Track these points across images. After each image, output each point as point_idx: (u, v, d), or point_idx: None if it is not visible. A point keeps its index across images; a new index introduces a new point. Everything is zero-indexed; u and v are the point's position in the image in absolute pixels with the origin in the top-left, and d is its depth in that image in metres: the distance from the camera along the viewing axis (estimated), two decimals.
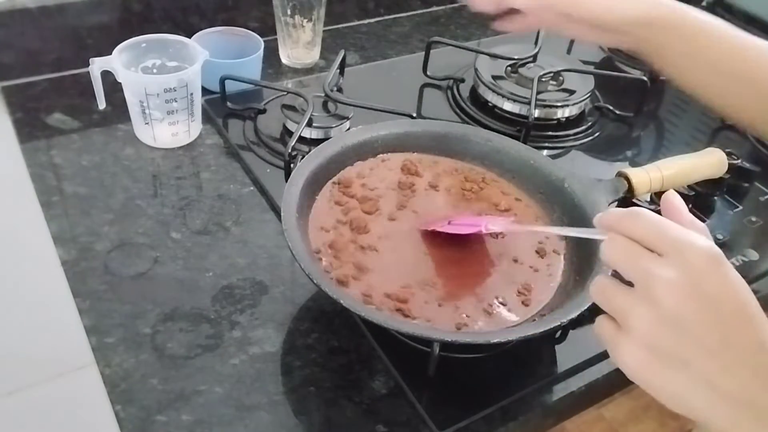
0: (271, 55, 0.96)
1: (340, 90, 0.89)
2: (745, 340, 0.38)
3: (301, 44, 0.94)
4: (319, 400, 0.56)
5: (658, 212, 0.42)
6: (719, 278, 0.38)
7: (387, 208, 0.66)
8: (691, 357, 0.38)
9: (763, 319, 0.38)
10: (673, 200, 0.43)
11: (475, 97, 0.93)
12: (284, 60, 0.95)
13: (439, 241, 0.63)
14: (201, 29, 0.88)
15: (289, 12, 0.90)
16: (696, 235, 0.39)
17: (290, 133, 0.78)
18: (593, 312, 0.64)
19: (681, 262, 0.38)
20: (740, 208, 0.80)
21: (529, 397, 0.58)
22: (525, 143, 0.77)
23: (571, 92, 0.91)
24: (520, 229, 0.63)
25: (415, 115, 0.81)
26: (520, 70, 0.92)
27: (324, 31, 1.05)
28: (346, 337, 0.61)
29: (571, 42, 1.12)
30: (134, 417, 0.53)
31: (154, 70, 0.79)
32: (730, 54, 0.65)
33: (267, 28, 0.99)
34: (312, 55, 0.96)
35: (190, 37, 0.82)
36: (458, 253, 0.62)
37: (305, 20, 0.91)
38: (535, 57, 0.94)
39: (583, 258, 0.61)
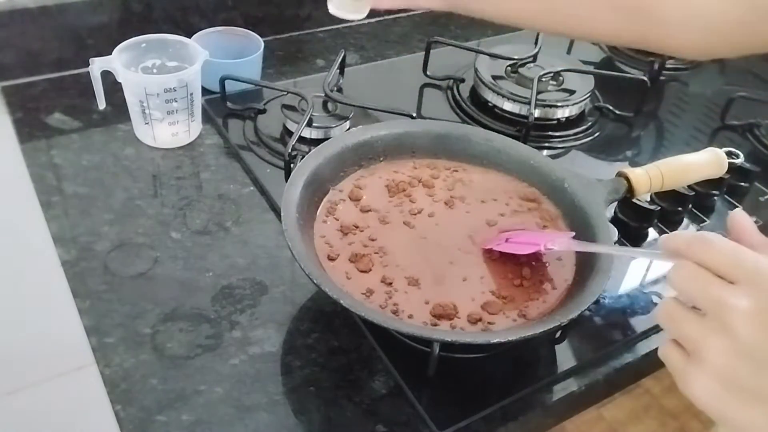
0: (271, 54, 0.96)
1: (340, 90, 0.89)
2: None
3: None
4: (319, 400, 0.56)
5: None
6: None
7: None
8: (766, 389, 0.36)
9: None
10: (742, 221, 0.42)
11: (475, 97, 0.93)
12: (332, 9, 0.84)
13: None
14: (201, 29, 0.88)
15: None
16: None
17: (290, 133, 0.78)
18: (593, 312, 0.65)
19: (757, 291, 0.36)
20: (740, 208, 0.80)
21: (529, 397, 0.58)
22: (525, 143, 0.77)
23: (571, 92, 0.91)
24: (580, 248, 0.60)
25: (415, 115, 0.80)
26: (520, 70, 0.92)
27: (324, 31, 1.06)
28: (346, 337, 0.61)
29: (571, 42, 1.12)
30: (134, 417, 0.53)
31: (154, 70, 0.79)
32: None
33: (268, 28, 0.99)
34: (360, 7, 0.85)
35: (190, 37, 0.82)
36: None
37: None
38: (535, 57, 0.94)
39: (583, 258, 0.61)
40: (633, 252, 0.60)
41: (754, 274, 0.37)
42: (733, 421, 0.38)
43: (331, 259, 0.60)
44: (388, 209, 0.66)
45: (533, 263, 0.62)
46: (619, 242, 0.72)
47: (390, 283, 0.59)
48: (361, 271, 0.60)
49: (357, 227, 0.64)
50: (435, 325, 0.56)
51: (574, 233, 0.61)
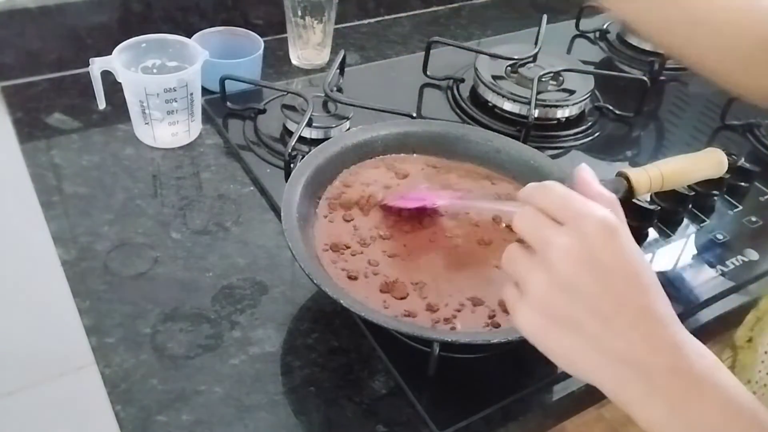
0: (271, 54, 0.96)
1: (340, 90, 0.89)
2: (635, 306, 0.39)
3: (311, 45, 0.94)
4: (319, 400, 0.56)
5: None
6: (613, 247, 0.39)
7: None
8: (582, 320, 0.39)
9: (654, 288, 0.40)
10: (584, 175, 0.44)
11: (475, 97, 0.93)
12: (294, 61, 0.95)
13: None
14: (201, 29, 0.88)
15: (299, 13, 0.90)
16: (596, 207, 0.40)
17: (290, 133, 0.78)
18: None
19: (577, 230, 0.39)
20: (740, 208, 0.80)
21: (529, 397, 0.58)
22: (525, 143, 0.77)
23: (571, 92, 0.91)
24: (462, 204, 0.65)
25: (415, 115, 0.80)
26: (520, 70, 0.92)
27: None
28: (346, 337, 0.61)
29: (571, 42, 1.12)
30: (134, 417, 0.53)
31: (154, 70, 0.79)
32: None
33: (268, 28, 0.99)
34: (322, 56, 0.95)
35: (190, 37, 0.82)
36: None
37: (316, 21, 0.91)
38: (535, 57, 0.94)
39: None
40: (496, 204, 0.67)
41: (577, 216, 0.40)
42: (553, 351, 0.41)
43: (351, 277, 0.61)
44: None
45: None
46: None
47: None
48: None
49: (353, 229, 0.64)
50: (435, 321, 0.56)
51: (460, 193, 0.66)
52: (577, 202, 0.41)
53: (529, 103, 0.85)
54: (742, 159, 0.81)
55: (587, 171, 0.44)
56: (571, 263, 0.39)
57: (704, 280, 0.71)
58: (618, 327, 0.39)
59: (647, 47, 1.09)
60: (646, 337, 0.39)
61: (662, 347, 0.39)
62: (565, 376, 0.60)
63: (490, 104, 0.91)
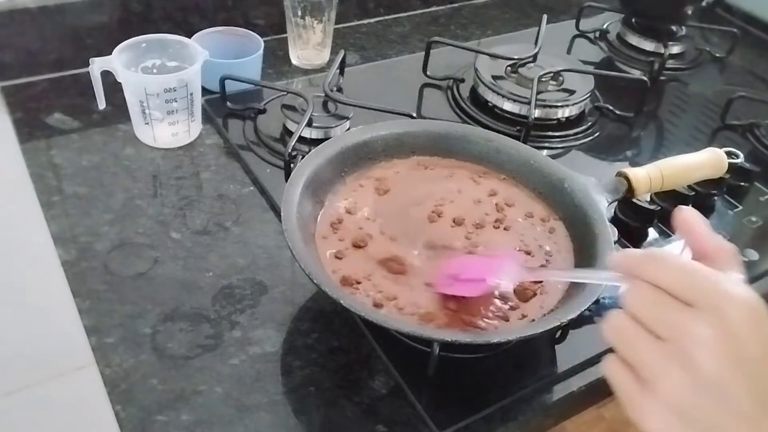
0: (271, 54, 0.96)
1: (340, 90, 0.89)
2: None
3: (311, 45, 0.94)
4: (319, 400, 0.56)
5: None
6: (762, 337, 0.34)
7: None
8: (725, 424, 0.35)
9: None
10: (692, 222, 0.39)
11: (475, 97, 0.93)
12: (294, 61, 0.95)
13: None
14: (201, 29, 0.88)
15: (299, 13, 0.90)
16: (732, 283, 0.35)
17: (290, 133, 0.78)
18: (593, 312, 0.65)
19: (718, 318, 0.34)
20: (740, 208, 0.80)
21: (529, 397, 0.58)
22: (525, 143, 0.77)
23: (571, 92, 0.91)
24: (530, 277, 0.57)
25: (415, 115, 0.80)
26: (520, 70, 0.92)
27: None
28: (346, 337, 0.61)
29: (571, 42, 1.12)
30: (134, 417, 0.53)
31: (154, 70, 0.79)
32: None
33: (268, 28, 0.99)
34: (322, 56, 0.95)
35: (190, 37, 0.82)
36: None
37: (316, 21, 0.91)
38: (535, 57, 0.94)
39: (583, 257, 0.61)
40: (587, 276, 0.57)
41: (713, 298, 0.35)
42: None
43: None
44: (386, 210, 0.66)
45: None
46: (619, 242, 0.72)
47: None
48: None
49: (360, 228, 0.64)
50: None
51: (523, 254, 0.60)
52: (708, 279, 0.35)
53: (529, 103, 0.85)
54: (742, 159, 0.81)
55: (695, 217, 0.39)
56: (715, 360, 0.34)
57: None
58: (764, 430, 0.34)
59: (647, 47, 1.09)
60: None
61: None
62: (565, 376, 0.60)
63: (490, 104, 0.91)
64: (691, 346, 0.34)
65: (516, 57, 0.93)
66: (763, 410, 0.34)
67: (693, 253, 0.39)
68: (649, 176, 0.72)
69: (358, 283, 0.58)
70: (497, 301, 0.58)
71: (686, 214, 0.39)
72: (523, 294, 0.59)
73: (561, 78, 0.92)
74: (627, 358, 0.38)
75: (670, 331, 0.35)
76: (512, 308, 0.58)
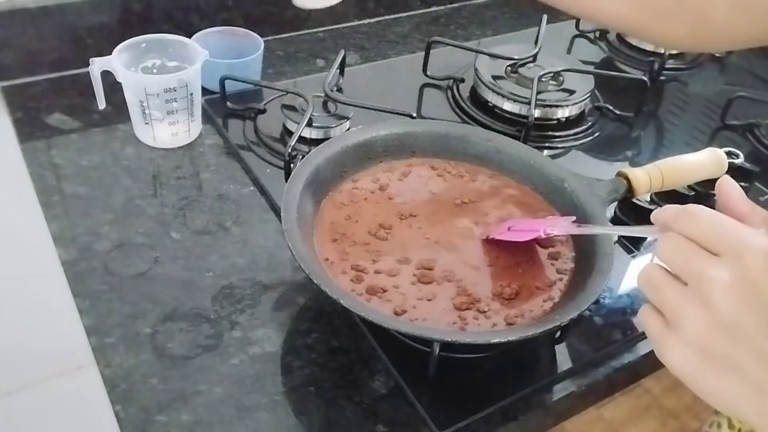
0: (271, 54, 0.96)
1: (340, 90, 0.89)
2: None
3: None
4: (319, 400, 0.56)
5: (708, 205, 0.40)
6: None
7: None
8: (743, 362, 0.37)
9: None
10: (729, 188, 0.41)
11: (475, 97, 0.93)
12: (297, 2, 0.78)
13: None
14: (201, 29, 0.88)
15: None
16: (755, 235, 0.37)
17: (290, 133, 0.78)
18: (593, 312, 0.65)
19: (738, 264, 0.36)
20: (727, 175, 0.80)
21: (529, 397, 0.58)
22: (525, 143, 0.77)
23: (571, 92, 0.91)
24: (579, 231, 0.60)
25: (415, 115, 0.80)
26: (520, 70, 0.92)
27: (324, 31, 1.06)
28: (346, 337, 0.61)
29: (572, 42, 1.12)
30: (134, 417, 0.53)
31: (154, 70, 0.79)
32: None
33: (268, 28, 0.99)
34: None
35: (190, 37, 0.82)
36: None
37: None
38: (535, 57, 0.94)
39: (583, 258, 0.61)
40: (627, 230, 0.64)
41: (735, 246, 0.37)
42: (706, 388, 0.39)
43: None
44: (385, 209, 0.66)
45: (530, 263, 0.62)
46: (619, 242, 0.72)
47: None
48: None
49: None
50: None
51: (574, 217, 0.62)
52: (734, 230, 0.37)
53: (529, 103, 0.85)
54: (742, 159, 0.81)
55: (732, 185, 0.41)
56: (733, 301, 0.36)
57: None
58: None
59: (647, 47, 1.09)
60: None
61: None
62: (565, 376, 0.60)
63: (490, 104, 0.91)
64: (710, 288, 0.37)
65: (516, 57, 0.93)
66: None
67: (727, 214, 0.41)
68: (649, 176, 0.72)
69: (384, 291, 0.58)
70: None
71: (725, 180, 0.42)
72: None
73: (561, 78, 0.92)
74: (655, 303, 0.40)
75: (693, 276, 0.38)
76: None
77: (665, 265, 0.40)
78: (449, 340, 0.53)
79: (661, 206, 0.74)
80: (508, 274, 0.61)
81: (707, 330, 0.37)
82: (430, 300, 0.58)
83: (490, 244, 0.63)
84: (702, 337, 0.37)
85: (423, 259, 0.61)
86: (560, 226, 0.61)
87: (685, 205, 0.40)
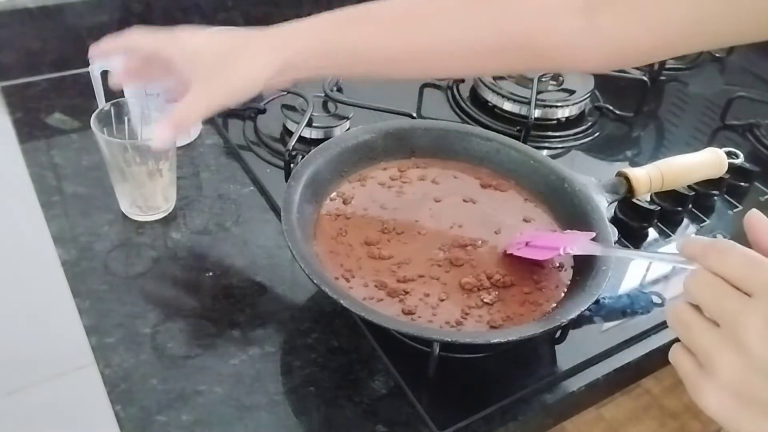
0: None
1: (340, 90, 0.89)
2: None
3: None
4: (319, 400, 0.56)
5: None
6: None
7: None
8: None
9: None
10: (758, 223, 0.41)
11: (475, 97, 0.93)
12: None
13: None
14: None
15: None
16: None
17: (290, 133, 0.78)
18: (593, 312, 0.65)
19: None
20: (740, 208, 0.80)
21: (529, 397, 0.58)
22: (525, 143, 0.77)
23: (571, 92, 0.91)
24: (600, 252, 0.59)
25: (415, 115, 0.81)
26: None
27: None
28: (346, 337, 0.61)
29: None
30: (134, 417, 0.53)
31: None
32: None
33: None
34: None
35: None
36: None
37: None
38: None
39: (583, 258, 0.61)
40: (652, 256, 0.62)
41: None
42: (746, 431, 0.38)
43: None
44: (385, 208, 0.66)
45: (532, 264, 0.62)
46: (619, 242, 0.72)
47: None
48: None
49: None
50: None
51: (594, 234, 0.61)
52: (766, 269, 0.37)
53: (529, 103, 0.85)
54: (742, 159, 0.81)
55: (760, 218, 0.41)
56: (767, 344, 0.35)
57: None
58: None
59: None
60: None
61: None
62: (565, 376, 0.60)
63: (490, 104, 0.91)
64: (744, 331, 0.36)
65: None
66: None
67: (757, 250, 0.41)
68: (649, 176, 0.72)
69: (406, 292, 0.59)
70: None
71: (754, 215, 0.42)
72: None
73: (561, 78, 0.92)
74: (687, 343, 0.40)
75: (726, 318, 0.37)
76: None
77: (694, 301, 0.39)
78: (449, 340, 0.53)
79: (661, 207, 0.75)
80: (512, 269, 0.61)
81: (743, 374, 0.37)
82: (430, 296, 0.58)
83: (505, 255, 0.62)
84: (738, 381, 0.37)
85: (424, 258, 0.61)
86: (581, 245, 0.59)
87: (715, 240, 0.39)
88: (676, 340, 0.41)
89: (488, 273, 0.60)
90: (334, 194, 0.66)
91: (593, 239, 0.60)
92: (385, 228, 0.64)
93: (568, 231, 0.64)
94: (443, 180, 0.71)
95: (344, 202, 0.66)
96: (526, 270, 0.61)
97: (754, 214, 0.42)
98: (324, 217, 0.64)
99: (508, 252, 0.62)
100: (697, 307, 0.39)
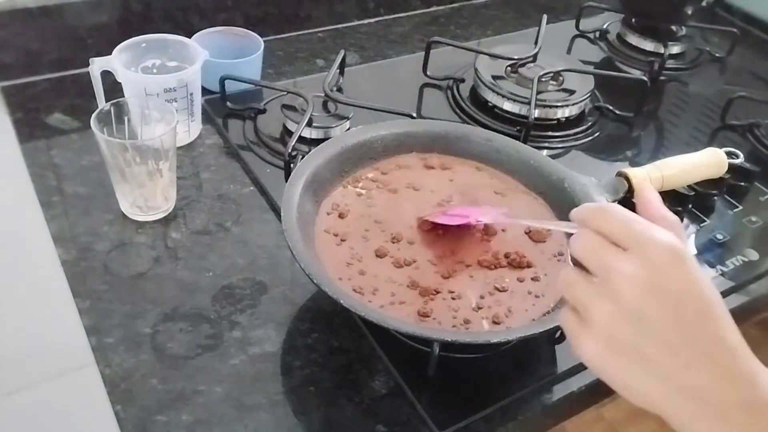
0: (271, 54, 0.96)
1: (340, 90, 0.89)
2: (706, 337, 0.38)
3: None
4: (319, 400, 0.56)
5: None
6: (681, 275, 0.38)
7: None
8: (650, 352, 0.38)
9: (724, 317, 0.38)
10: (647, 195, 0.43)
11: (475, 97, 0.93)
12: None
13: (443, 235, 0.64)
14: (201, 29, 0.88)
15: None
16: (660, 231, 0.39)
17: (290, 133, 0.78)
18: None
19: (642, 257, 0.38)
20: (740, 208, 0.80)
21: (529, 397, 0.58)
22: (525, 143, 0.77)
23: (571, 92, 0.91)
24: (509, 221, 0.63)
25: (415, 115, 0.80)
26: (520, 70, 0.92)
27: (324, 31, 1.06)
28: (346, 337, 0.61)
29: (571, 42, 1.12)
30: (134, 417, 0.53)
31: (154, 70, 0.79)
32: None
33: (268, 28, 0.99)
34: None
35: (190, 37, 0.82)
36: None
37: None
38: (535, 57, 0.94)
39: None
40: (550, 224, 0.65)
41: (642, 242, 0.38)
42: (617, 380, 0.40)
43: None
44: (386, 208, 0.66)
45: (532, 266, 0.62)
46: None
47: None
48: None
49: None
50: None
51: (506, 210, 0.64)
52: (640, 227, 0.39)
53: (529, 103, 0.85)
54: (742, 159, 0.81)
55: (650, 191, 0.43)
56: (637, 292, 0.38)
57: None
58: (688, 358, 0.37)
59: (647, 47, 1.09)
60: (717, 369, 0.37)
61: (735, 380, 0.37)
62: (565, 376, 0.60)
63: (490, 104, 0.91)
64: (615, 280, 0.38)
65: (516, 57, 0.93)
66: (683, 339, 0.37)
67: (642, 215, 0.43)
68: (649, 176, 0.72)
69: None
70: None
71: (644, 189, 0.44)
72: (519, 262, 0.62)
73: (561, 78, 0.92)
74: (571, 301, 0.42)
75: (601, 270, 0.40)
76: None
77: (577, 259, 0.41)
78: (449, 340, 0.53)
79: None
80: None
81: (614, 321, 0.39)
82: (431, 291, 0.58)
83: (442, 230, 0.64)
84: (609, 328, 0.39)
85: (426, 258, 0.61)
86: (490, 215, 0.63)
87: (600, 203, 0.41)
88: None
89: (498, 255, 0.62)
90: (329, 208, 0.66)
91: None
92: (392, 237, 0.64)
93: (486, 206, 0.66)
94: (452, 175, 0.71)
95: (340, 216, 0.65)
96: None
97: (645, 187, 0.44)
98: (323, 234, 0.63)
99: (425, 218, 0.64)
100: (582, 269, 0.41)
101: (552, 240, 0.65)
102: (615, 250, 0.39)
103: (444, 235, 0.64)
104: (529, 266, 0.62)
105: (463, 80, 0.95)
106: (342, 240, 0.62)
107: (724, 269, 0.72)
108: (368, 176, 0.69)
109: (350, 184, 0.68)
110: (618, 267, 0.38)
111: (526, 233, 0.65)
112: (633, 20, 1.12)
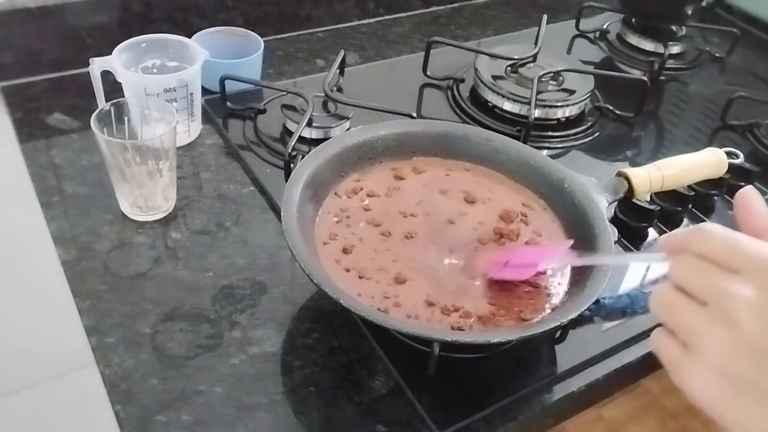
0: (271, 54, 0.96)
1: (340, 90, 0.89)
2: None
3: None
4: (319, 400, 0.56)
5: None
6: None
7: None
8: (767, 383, 0.34)
9: None
10: (750, 200, 0.40)
11: (475, 97, 0.93)
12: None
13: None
14: (201, 29, 0.88)
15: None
16: None
17: (290, 133, 0.78)
18: (593, 312, 0.65)
19: (759, 278, 0.34)
20: (751, 186, 0.80)
21: (529, 397, 0.58)
22: (525, 143, 0.77)
23: (571, 92, 0.91)
24: (580, 262, 0.58)
25: (415, 115, 0.80)
26: (520, 70, 0.92)
27: (324, 31, 1.06)
28: (346, 337, 0.61)
29: (571, 42, 1.12)
30: (134, 417, 0.53)
31: (154, 70, 0.79)
32: None
33: (268, 28, 0.99)
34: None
35: (190, 37, 0.82)
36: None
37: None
38: (535, 57, 0.94)
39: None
40: (634, 258, 0.59)
41: (757, 262, 0.35)
42: (731, 416, 0.36)
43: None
44: (386, 209, 0.66)
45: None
46: (619, 242, 0.72)
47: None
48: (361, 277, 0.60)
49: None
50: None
51: (572, 241, 0.60)
52: (750, 246, 0.36)
53: (529, 103, 0.85)
54: (742, 159, 0.81)
55: (754, 196, 0.40)
56: (758, 319, 0.34)
57: None
58: None
59: (647, 47, 1.09)
60: None
61: None
62: (565, 376, 0.60)
63: (490, 104, 0.91)
64: (734, 306, 0.35)
65: (516, 57, 0.93)
66: None
67: (744, 229, 0.40)
68: (649, 176, 0.72)
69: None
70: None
71: (748, 191, 0.40)
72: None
73: (561, 78, 0.92)
74: (671, 326, 0.38)
75: (714, 295, 0.36)
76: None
77: (682, 287, 0.38)
78: (449, 340, 0.53)
79: (661, 207, 0.75)
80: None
81: (732, 351, 0.35)
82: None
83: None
84: (726, 359, 0.35)
85: (427, 260, 0.61)
86: (560, 257, 0.58)
87: (693, 227, 0.38)
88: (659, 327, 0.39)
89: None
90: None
91: (573, 246, 0.59)
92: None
93: (545, 243, 0.63)
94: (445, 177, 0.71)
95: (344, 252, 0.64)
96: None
97: (749, 190, 0.40)
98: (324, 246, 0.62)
99: (489, 276, 0.59)
100: (682, 291, 0.38)
101: None
102: (726, 272, 0.35)
103: (499, 283, 0.60)
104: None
105: (463, 80, 0.95)
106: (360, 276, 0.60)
107: None
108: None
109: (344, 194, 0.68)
110: (736, 291, 0.34)
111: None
112: (633, 20, 1.12)
